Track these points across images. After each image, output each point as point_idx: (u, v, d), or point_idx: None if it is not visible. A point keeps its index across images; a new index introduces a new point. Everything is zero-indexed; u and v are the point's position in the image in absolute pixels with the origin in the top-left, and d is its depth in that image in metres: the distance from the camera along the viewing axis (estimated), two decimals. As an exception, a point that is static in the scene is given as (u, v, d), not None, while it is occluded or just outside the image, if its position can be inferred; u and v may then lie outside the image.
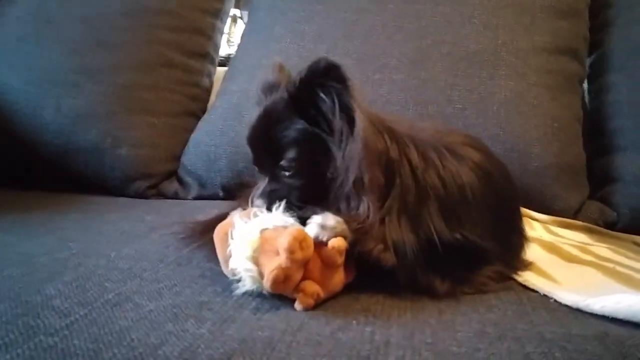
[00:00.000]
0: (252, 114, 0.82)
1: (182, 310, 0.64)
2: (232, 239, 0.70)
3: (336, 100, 0.70)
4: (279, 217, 0.70)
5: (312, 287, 0.66)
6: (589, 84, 1.42)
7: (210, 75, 1.63)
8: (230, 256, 0.70)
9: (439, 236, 0.72)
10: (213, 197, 1.36)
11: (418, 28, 1.35)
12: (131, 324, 0.59)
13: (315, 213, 0.70)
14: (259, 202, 0.76)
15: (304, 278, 0.66)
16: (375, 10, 1.40)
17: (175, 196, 1.39)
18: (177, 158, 1.43)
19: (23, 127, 1.37)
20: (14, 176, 1.38)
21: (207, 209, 1.17)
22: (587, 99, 1.43)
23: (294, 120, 0.74)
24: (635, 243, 1.06)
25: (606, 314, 0.66)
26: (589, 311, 0.67)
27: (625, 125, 1.26)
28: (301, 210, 0.73)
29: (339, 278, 0.69)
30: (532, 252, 0.90)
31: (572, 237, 1.06)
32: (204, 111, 1.56)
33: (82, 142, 1.37)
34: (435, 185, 0.75)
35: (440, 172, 0.76)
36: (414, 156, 0.75)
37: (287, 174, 0.76)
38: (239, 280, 0.69)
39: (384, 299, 0.70)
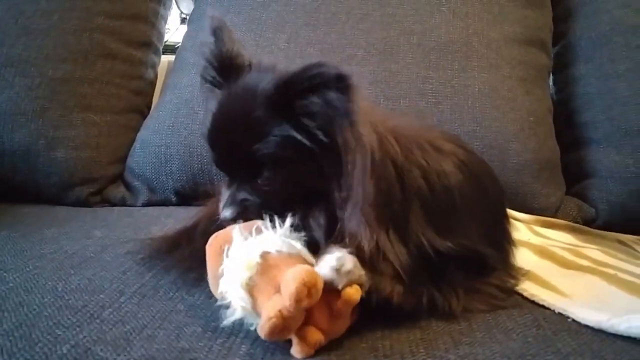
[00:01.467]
0: (209, 101, 0.69)
1: (161, 364, 0.52)
2: (226, 257, 0.59)
3: (338, 113, 0.57)
4: (285, 240, 0.58)
5: (314, 335, 0.56)
6: (553, 75, 1.39)
7: (154, 67, 1.47)
8: (222, 275, 0.59)
9: (431, 245, 0.65)
10: (165, 202, 1.23)
11: (384, 15, 1.27)
12: (99, 392, 0.47)
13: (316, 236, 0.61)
14: (227, 212, 0.64)
15: (305, 322, 0.56)
16: (337, -5, 1.29)
17: (123, 203, 1.24)
18: (122, 160, 1.28)
19: None
20: None
21: (162, 218, 1.07)
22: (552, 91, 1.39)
23: (273, 125, 0.60)
24: (619, 241, 1.03)
25: (632, 335, 0.61)
26: (614, 332, 0.62)
27: (597, 117, 1.22)
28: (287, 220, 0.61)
29: (344, 324, 0.60)
30: (524, 258, 0.85)
31: (558, 238, 1.01)
32: (149, 107, 1.42)
33: (9, 143, 1.20)
34: (419, 187, 0.66)
35: (425, 170, 0.68)
36: (397, 154, 0.66)
37: (264, 188, 0.64)
38: (227, 307, 0.58)
39: (389, 332, 0.62)
